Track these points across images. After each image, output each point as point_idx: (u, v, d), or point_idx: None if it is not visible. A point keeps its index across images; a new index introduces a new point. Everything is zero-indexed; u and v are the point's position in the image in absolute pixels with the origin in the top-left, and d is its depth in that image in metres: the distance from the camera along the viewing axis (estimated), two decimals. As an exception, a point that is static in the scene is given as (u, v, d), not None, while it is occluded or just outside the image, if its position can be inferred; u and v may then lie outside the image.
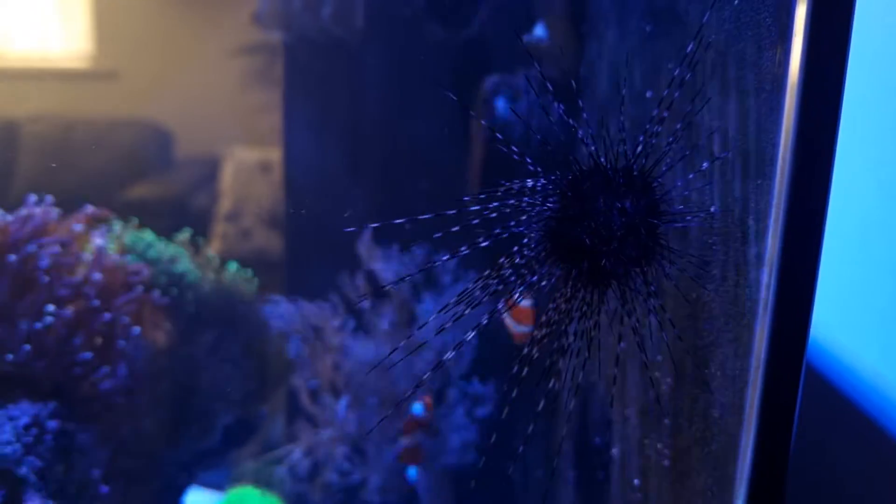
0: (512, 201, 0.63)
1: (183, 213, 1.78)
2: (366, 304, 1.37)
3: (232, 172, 4.05)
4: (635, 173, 0.62)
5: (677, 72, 0.61)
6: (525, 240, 0.62)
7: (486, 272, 0.64)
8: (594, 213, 0.60)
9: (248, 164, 4.13)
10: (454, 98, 1.26)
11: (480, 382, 1.41)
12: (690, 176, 0.61)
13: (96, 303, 1.15)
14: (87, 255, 1.20)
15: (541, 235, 0.62)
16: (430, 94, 1.44)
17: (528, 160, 0.66)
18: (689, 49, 0.64)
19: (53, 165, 2.93)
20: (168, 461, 1.27)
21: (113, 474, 1.19)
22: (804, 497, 0.95)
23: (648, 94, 0.82)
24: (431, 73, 1.41)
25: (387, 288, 1.24)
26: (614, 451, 0.98)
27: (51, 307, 1.13)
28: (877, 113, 0.80)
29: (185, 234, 1.41)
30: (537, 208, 0.61)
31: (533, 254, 0.62)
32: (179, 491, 1.33)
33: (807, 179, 0.61)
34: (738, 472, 0.67)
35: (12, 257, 1.14)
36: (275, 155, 3.62)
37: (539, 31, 1.17)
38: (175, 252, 1.33)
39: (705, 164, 0.65)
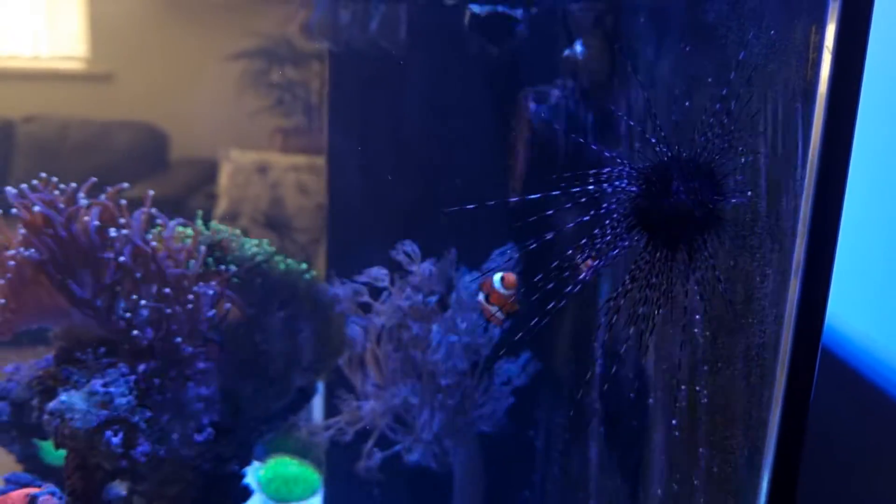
0: (604, 186, 0.81)
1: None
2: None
3: (228, 174, 4.20)
4: (699, 162, 0.81)
5: (732, 75, 0.80)
6: (615, 215, 0.81)
7: (583, 241, 0.83)
8: (671, 192, 0.79)
9: (245, 166, 4.28)
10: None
11: (516, 355, 1.59)
12: (743, 160, 0.81)
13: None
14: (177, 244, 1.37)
15: (626, 212, 0.81)
16: (472, 102, 1.63)
17: (614, 153, 0.84)
18: (737, 61, 0.83)
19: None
20: (249, 417, 1.44)
21: (205, 426, 1.36)
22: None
23: (687, 104, 1.00)
24: (474, 84, 1.60)
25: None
26: (650, 400, 1.17)
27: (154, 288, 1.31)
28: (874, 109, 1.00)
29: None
30: (626, 189, 0.80)
31: (620, 228, 0.81)
32: (252, 446, 1.51)
33: (830, 169, 0.81)
34: (774, 396, 0.86)
35: (127, 249, 1.30)
36: (305, 160, 3.79)
37: (578, 47, 1.36)
38: (247, 241, 1.50)
39: (749, 158, 0.85)
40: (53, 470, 1.66)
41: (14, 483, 1.57)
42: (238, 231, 1.48)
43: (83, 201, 1.33)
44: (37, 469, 1.66)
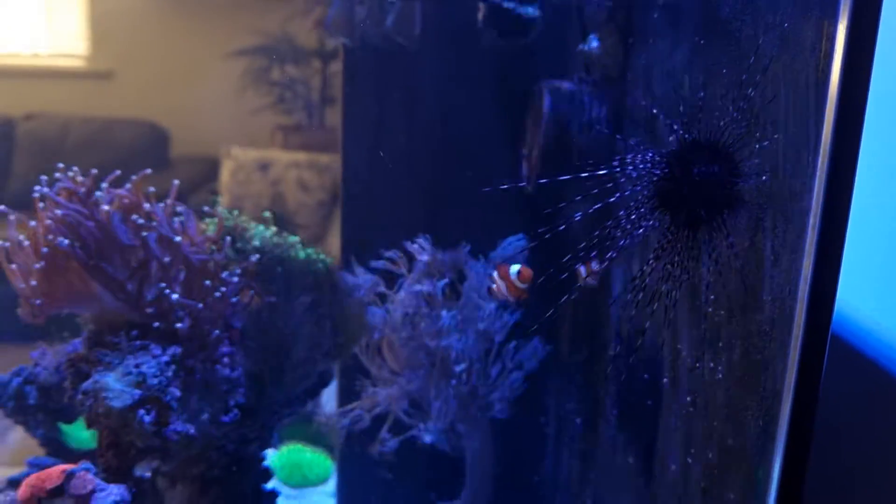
0: (629, 169, 0.87)
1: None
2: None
3: (230, 171, 4.23)
4: (718, 147, 0.87)
5: (752, 59, 0.85)
6: (639, 196, 0.86)
7: (609, 222, 0.88)
8: (693, 174, 0.84)
9: (247, 163, 4.30)
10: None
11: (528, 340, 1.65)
12: (764, 144, 0.86)
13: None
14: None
15: (649, 194, 0.87)
16: (486, 95, 1.68)
17: (636, 141, 0.90)
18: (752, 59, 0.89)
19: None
20: (271, 400, 1.49)
21: (231, 408, 1.41)
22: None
23: (700, 94, 1.06)
24: (488, 77, 1.66)
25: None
26: (664, 380, 1.22)
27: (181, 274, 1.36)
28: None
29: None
30: (650, 172, 0.85)
31: (643, 209, 0.86)
32: (273, 428, 1.56)
33: (842, 154, 0.86)
34: (788, 368, 0.91)
35: (153, 237, 1.35)
36: (294, 157, 3.80)
37: (592, 42, 1.41)
38: (269, 231, 1.54)
39: (766, 143, 0.90)
40: (74, 453, 1.71)
41: (37, 466, 1.61)
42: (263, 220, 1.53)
43: (101, 194, 1.37)
44: (58, 453, 1.71)
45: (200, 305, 1.36)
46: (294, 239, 1.53)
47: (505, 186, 1.54)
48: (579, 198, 1.13)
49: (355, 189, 1.87)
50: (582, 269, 1.19)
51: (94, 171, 1.41)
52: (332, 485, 2.12)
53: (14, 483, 1.62)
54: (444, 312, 1.54)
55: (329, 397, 2.10)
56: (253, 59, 4.11)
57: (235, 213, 1.49)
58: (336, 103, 3.85)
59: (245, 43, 4.04)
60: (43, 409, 1.60)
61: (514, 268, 1.30)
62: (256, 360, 1.44)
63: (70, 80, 4.29)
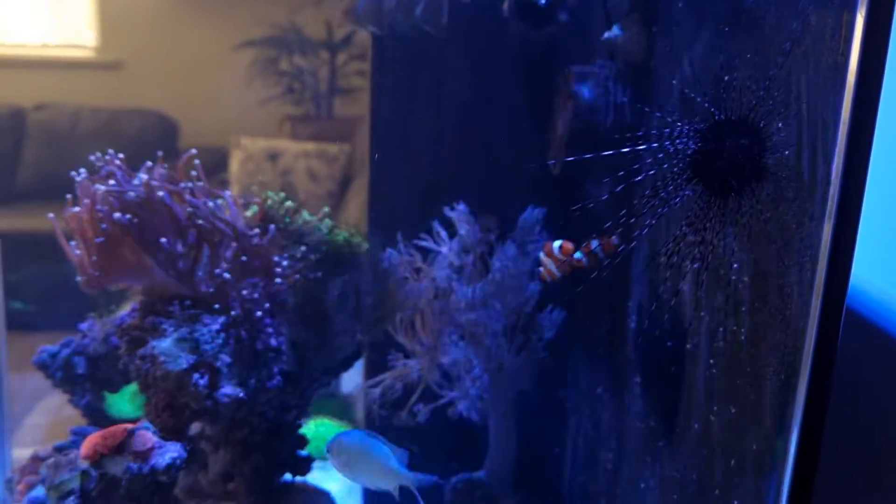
0: (666, 144, 0.95)
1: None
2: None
3: (239, 161, 4.31)
4: (746, 123, 0.95)
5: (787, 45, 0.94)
6: (675, 169, 0.95)
7: (648, 192, 0.97)
8: (725, 147, 0.93)
9: (256, 153, 4.39)
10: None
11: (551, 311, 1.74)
12: (788, 122, 0.95)
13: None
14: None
15: (683, 167, 0.95)
16: (512, 82, 1.77)
17: (673, 118, 0.98)
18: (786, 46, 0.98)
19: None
20: (312, 369, 1.57)
21: (275, 374, 1.49)
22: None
23: (726, 78, 1.14)
24: (514, 65, 1.74)
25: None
26: (688, 346, 1.31)
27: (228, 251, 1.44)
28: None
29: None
30: (685, 146, 0.94)
31: (679, 180, 0.95)
32: (311, 397, 1.65)
33: (860, 128, 0.95)
34: (809, 326, 1.00)
35: (204, 214, 1.43)
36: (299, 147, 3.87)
37: (616, 30, 1.50)
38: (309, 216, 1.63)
39: (789, 121, 0.99)
40: (116, 422, 1.79)
41: (81, 435, 1.69)
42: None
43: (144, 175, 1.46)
44: (100, 422, 1.79)
45: (250, 284, 1.44)
46: (330, 223, 1.62)
47: (532, 166, 1.64)
48: (606, 180, 1.23)
49: (382, 175, 1.95)
50: (593, 244, 1.27)
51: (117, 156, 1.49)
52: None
53: (60, 449, 1.71)
54: (478, 286, 1.62)
55: (352, 375, 2.19)
56: (261, 50, 4.17)
57: (282, 195, 1.58)
58: (345, 94, 3.93)
59: (253, 34, 4.10)
60: (90, 379, 1.68)
61: (557, 243, 1.38)
62: (299, 331, 1.53)
63: (79, 71, 4.35)
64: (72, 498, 1.34)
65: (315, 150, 4.24)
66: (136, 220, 1.40)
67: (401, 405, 1.81)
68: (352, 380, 2.33)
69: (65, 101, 4.22)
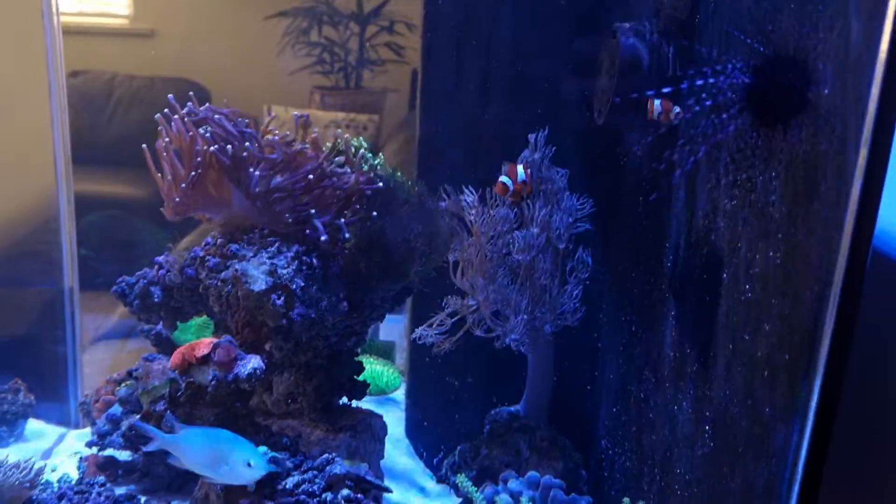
0: (721, 78, 1.08)
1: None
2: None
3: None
4: (792, 60, 1.08)
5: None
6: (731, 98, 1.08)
7: (704, 121, 1.09)
8: (774, 82, 1.06)
9: (287, 122, 4.51)
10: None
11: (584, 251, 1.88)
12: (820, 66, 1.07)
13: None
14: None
15: (737, 97, 1.08)
16: (561, 39, 1.90)
17: (718, 67, 1.11)
18: None
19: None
20: (373, 297, 1.71)
21: (342, 299, 1.63)
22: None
23: (769, 28, 1.26)
24: (562, 23, 1.88)
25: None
26: (724, 275, 1.44)
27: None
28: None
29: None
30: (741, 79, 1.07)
31: (734, 109, 1.08)
32: (370, 325, 1.79)
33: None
34: (841, 246, 1.13)
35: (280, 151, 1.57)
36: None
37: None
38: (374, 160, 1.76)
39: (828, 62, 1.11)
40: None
41: (151, 361, 1.83)
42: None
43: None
44: (167, 351, 1.93)
45: (327, 219, 1.58)
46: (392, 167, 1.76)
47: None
48: (655, 120, 1.36)
49: (431, 127, 2.08)
50: (658, 104, 1.37)
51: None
52: (401, 392, 2.35)
53: (131, 373, 1.85)
54: (534, 230, 1.76)
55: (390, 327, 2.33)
56: (293, 21, 4.29)
57: (362, 140, 1.71)
58: (373, 65, 4.05)
59: (285, 5, 4.21)
60: (165, 307, 1.82)
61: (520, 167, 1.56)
62: (364, 261, 1.66)
63: (114, 39, 4.47)
64: (161, 402, 1.49)
65: (344, 119, 4.37)
66: (228, 151, 1.53)
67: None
68: (392, 329, 2.48)
69: (100, 68, 4.35)
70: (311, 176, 1.53)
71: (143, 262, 1.89)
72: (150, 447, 1.45)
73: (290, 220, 1.53)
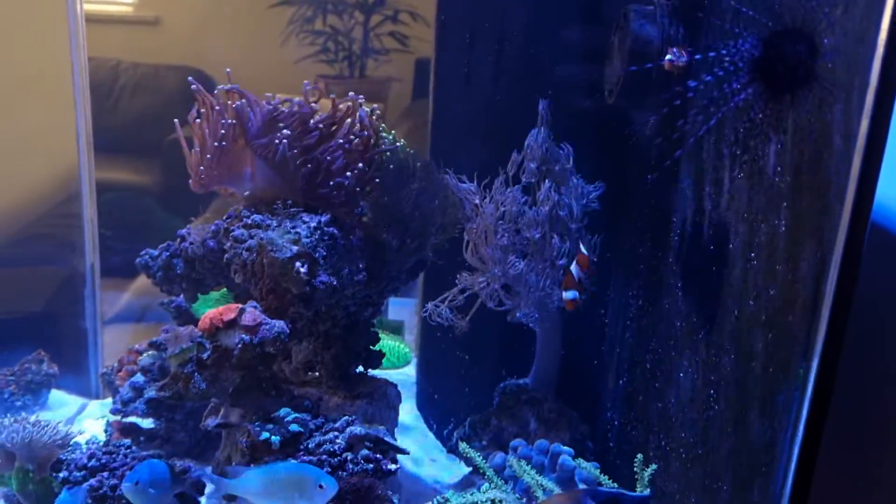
0: (732, 50, 1.14)
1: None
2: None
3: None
4: (800, 33, 1.15)
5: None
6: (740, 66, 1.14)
7: (716, 93, 1.16)
8: (783, 54, 1.12)
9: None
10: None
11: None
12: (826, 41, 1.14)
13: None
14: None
15: (747, 68, 1.15)
16: (573, 20, 1.96)
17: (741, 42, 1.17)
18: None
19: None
20: (391, 267, 1.77)
21: (362, 270, 1.69)
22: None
23: (777, 7, 1.32)
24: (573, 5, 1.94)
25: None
26: (731, 245, 1.50)
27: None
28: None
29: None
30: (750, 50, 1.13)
31: (744, 80, 1.14)
32: (386, 297, 1.85)
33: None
34: (844, 210, 1.19)
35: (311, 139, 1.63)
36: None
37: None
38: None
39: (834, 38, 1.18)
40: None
41: (171, 332, 1.89)
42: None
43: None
44: (186, 324, 1.99)
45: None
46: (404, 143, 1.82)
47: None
48: (666, 96, 1.43)
49: (445, 106, 2.15)
50: (674, 52, 1.44)
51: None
52: (412, 367, 2.41)
53: (154, 344, 1.91)
54: (544, 208, 1.82)
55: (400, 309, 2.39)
56: (297, 9, 4.33)
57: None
58: (377, 54, 4.10)
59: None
60: (187, 279, 1.88)
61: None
62: (382, 233, 1.72)
63: (118, 27, 4.51)
64: (190, 365, 1.55)
65: (348, 108, 4.40)
66: (258, 125, 1.59)
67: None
68: (401, 311, 2.54)
69: (104, 55, 4.40)
70: (321, 125, 1.59)
71: (151, 245, 1.93)
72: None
73: (322, 193, 1.59)
